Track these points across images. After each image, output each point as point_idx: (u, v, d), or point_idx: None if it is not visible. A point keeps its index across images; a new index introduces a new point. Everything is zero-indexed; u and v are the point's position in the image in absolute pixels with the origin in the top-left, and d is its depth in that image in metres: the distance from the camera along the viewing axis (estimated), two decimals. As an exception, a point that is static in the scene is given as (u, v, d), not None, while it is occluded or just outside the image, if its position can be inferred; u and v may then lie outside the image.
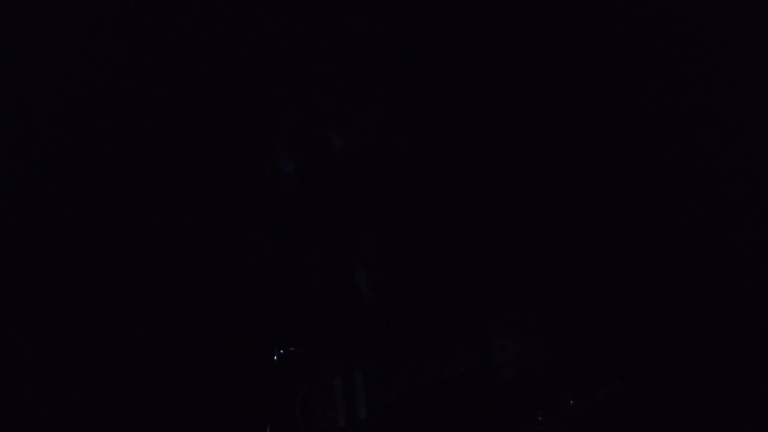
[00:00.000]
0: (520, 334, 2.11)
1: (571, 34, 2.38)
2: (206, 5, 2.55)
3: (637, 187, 2.38)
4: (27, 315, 2.56)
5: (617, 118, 2.38)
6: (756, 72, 2.34)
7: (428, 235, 2.17)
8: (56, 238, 2.58)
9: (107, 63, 2.58)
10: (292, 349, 2.16)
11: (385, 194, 2.19)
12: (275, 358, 2.16)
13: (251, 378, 2.41)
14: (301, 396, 2.11)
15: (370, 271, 2.15)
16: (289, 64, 2.38)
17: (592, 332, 2.28)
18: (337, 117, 2.20)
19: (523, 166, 2.28)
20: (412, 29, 2.27)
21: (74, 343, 2.56)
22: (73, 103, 2.59)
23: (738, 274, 2.33)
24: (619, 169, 2.37)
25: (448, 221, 2.18)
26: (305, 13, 2.36)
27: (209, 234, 2.55)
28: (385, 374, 2.07)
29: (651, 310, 2.35)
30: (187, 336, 2.53)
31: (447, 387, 2.08)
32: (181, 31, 2.56)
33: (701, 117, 2.38)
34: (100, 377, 2.55)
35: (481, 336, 2.09)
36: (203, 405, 2.51)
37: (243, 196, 2.51)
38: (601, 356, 2.27)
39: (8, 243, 2.59)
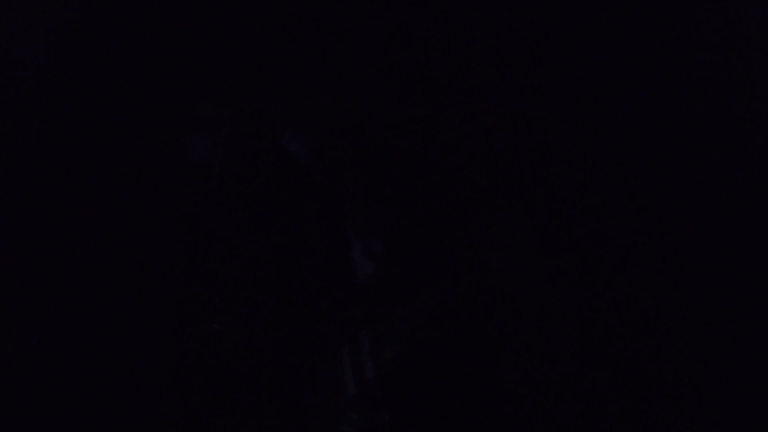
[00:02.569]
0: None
1: (567, 31, 2.39)
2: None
3: (636, 184, 2.38)
4: (12, 304, 2.55)
5: (618, 113, 2.39)
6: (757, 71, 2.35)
7: (423, 203, 2.18)
8: (40, 234, 2.57)
9: (95, 53, 2.59)
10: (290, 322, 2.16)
11: (378, 163, 2.20)
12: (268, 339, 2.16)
13: (252, 352, 2.40)
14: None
15: (364, 239, 2.16)
16: (283, 52, 2.39)
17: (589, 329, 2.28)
18: (327, 86, 2.21)
19: (517, 134, 2.28)
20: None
21: (63, 338, 2.54)
22: (59, 96, 2.59)
23: (738, 274, 2.33)
24: (617, 162, 2.38)
25: (444, 191, 2.19)
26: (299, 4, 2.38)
27: (203, 216, 2.55)
28: (387, 328, 2.08)
29: (650, 308, 2.35)
30: (179, 308, 2.51)
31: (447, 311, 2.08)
32: (172, 22, 2.57)
33: (699, 117, 2.39)
34: (89, 369, 2.53)
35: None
36: (201, 379, 2.49)
37: (237, 175, 2.51)
38: (598, 353, 2.27)
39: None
